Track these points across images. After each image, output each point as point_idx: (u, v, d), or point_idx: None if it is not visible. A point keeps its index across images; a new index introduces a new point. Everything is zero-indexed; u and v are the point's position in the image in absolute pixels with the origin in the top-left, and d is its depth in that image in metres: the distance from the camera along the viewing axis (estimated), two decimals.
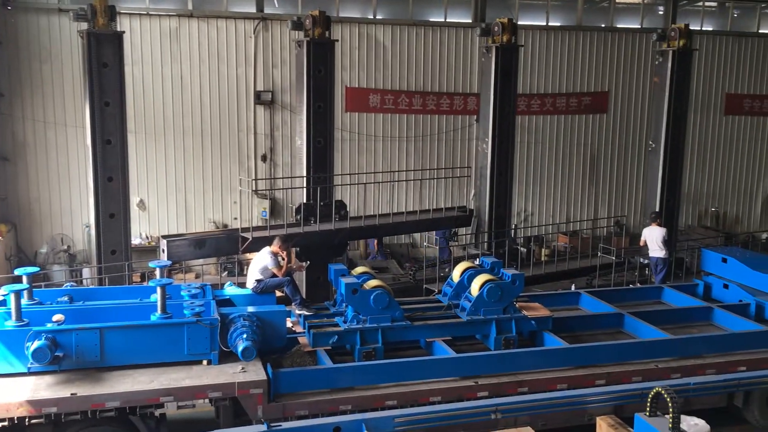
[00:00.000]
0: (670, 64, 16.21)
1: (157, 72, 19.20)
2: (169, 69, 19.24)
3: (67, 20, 17.48)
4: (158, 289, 9.51)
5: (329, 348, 10.36)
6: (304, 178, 14.14)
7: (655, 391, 7.89)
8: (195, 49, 19.35)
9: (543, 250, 20.15)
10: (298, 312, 11.01)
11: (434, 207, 16.20)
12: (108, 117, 12.81)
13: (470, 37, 20.73)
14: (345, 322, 10.42)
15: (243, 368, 9.32)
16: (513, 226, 18.26)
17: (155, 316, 9.48)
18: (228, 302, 10.68)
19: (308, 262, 12.07)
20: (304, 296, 11.81)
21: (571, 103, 22.20)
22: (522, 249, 17.30)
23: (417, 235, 20.61)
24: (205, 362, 9.43)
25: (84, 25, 12.86)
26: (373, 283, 10.61)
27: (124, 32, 13.33)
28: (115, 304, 10.18)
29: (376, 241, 19.37)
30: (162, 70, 19.25)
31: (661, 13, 23.47)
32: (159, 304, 9.52)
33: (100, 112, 12.70)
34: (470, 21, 21.12)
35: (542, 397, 9.77)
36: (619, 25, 22.71)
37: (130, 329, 9.25)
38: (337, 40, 14.91)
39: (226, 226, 19.53)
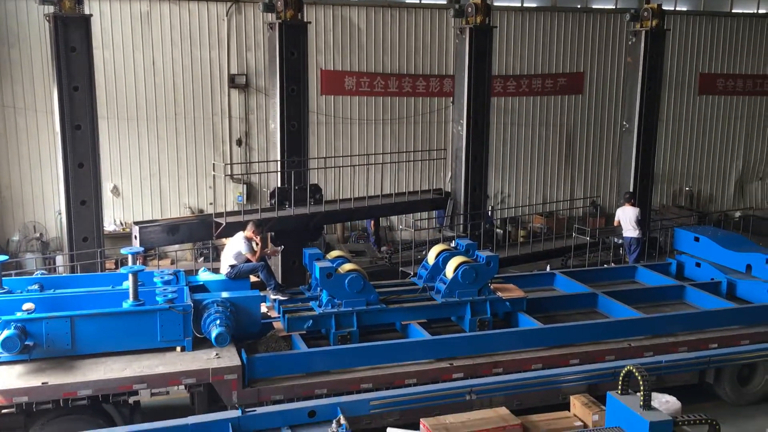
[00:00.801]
0: (643, 45, 16.26)
1: (129, 56, 18.90)
2: (141, 53, 18.95)
3: (34, 3, 17.13)
4: (130, 276, 9.43)
5: (304, 332, 10.36)
6: (278, 162, 14.02)
7: (626, 369, 7.98)
8: (167, 32, 19.06)
9: (519, 231, 20.27)
10: (272, 297, 10.99)
11: (411, 190, 16.16)
12: (77, 102, 12.58)
13: (446, 19, 20.61)
14: (320, 306, 10.42)
15: (217, 354, 9.29)
16: (490, 208, 18.31)
17: (127, 304, 9.41)
18: (202, 288, 10.62)
19: (282, 246, 12.01)
20: (279, 281, 11.77)
21: (547, 84, 22.21)
22: (498, 231, 17.39)
23: (394, 218, 20.61)
24: (178, 349, 9.40)
25: (51, 9, 12.57)
26: (347, 266, 10.60)
27: (91, 15, 13.07)
28: (86, 292, 10.09)
29: (372, 222, 19.08)
30: (134, 54, 18.95)
31: None
32: (131, 291, 9.45)
33: (69, 97, 12.48)
34: (445, 2, 21.00)
35: (517, 377, 9.86)
36: (594, 6, 22.71)
37: (101, 317, 9.17)
38: (310, 23, 14.78)
39: (202, 211, 19.40)
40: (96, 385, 8.59)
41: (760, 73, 24.14)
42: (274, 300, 10.92)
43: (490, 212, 18.20)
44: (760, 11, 24.10)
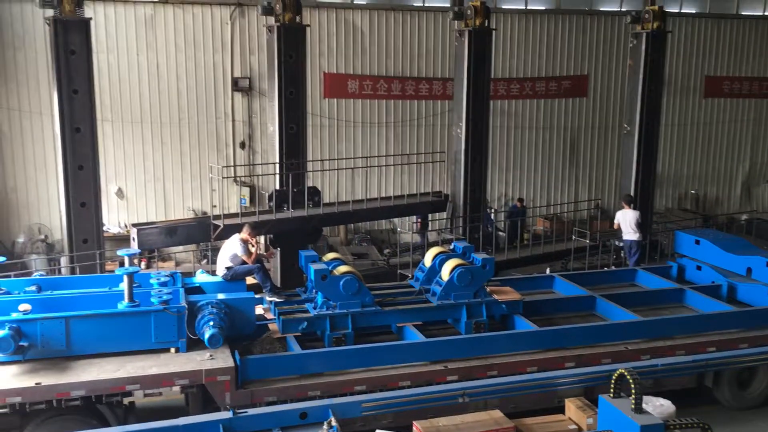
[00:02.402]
0: (644, 47, 16.19)
1: (133, 60, 19.03)
2: (145, 56, 19.07)
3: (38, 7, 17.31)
4: (125, 278, 9.48)
5: (299, 334, 10.36)
6: (277, 165, 14.06)
7: (618, 373, 7.94)
8: (171, 36, 19.17)
9: (523, 233, 20.21)
10: (268, 299, 11.00)
11: (415, 192, 16.19)
12: (77, 105, 12.68)
13: (448, 22, 20.59)
14: (315, 308, 10.42)
15: (211, 355, 9.32)
16: (491, 210, 18.27)
17: (122, 305, 9.46)
18: (198, 290, 10.65)
19: (278, 248, 12.03)
20: (277, 283, 11.80)
21: (551, 87, 22.16)
22: (501, 233, 17.36)
23: (397, 221, 20.61)
24: (173, 350, 9.43)
25: (51, 12, 12.68)
26: (342, 269, 10.60)
27: (90, 19, 13.16)
28: (82, 293, 10.14)
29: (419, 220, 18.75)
30: (138, 58, 19.07)
31: None
32: (126, 292, 9.49)
33: (69, 99, 12.58)
34: (448, 5, 20.98)
35: (511, 380, 9.80)
36: (598, 8, 22.65)
37: (96, 318, 9.22)
38: (309, 26, 14.81)
39: (205, 213, 19.43)
40: (89, 385, 8.63)
41: (767, 75, 23.94)
42: (270, 302, 10.93)
43: (491, 213, 18.16)
44: (767, 13, 23.94)
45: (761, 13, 23.87)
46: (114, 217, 19.37)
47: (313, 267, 10.31)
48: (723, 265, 12.90)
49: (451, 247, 11.84)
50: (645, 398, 7.85)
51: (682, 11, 23.11)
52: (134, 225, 13.15)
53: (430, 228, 16.38)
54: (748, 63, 23.71)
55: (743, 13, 23.71)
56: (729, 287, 12.50)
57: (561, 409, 9.66)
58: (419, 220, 17.45)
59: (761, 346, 11.01)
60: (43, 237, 18.67)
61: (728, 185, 24.39)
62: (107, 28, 18.64)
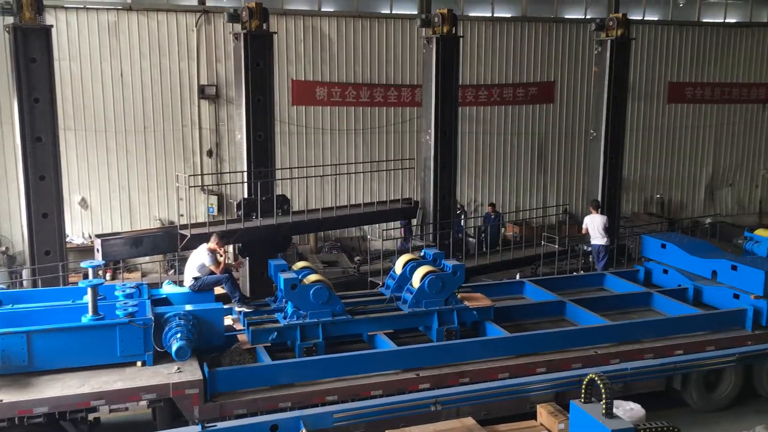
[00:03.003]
0: (608, 54, 16.40)
1: (97, 67, 18.70)
2: (109, 64, 18.76)
3: None
4: (89, 290, 9.27)
5: (269, 345, 10.23)
6: (245, 173, 13.91)
7: (588, 377, 7.96)
8: (135, 43, 18.89)
9: (498, 239, 20.25)
10: (237, 309, 10.86)
11: (385, 199, 16.16)
12: (38, 114, 12.41)
13: (416, 29, 20.65)
14: (285, 318, 10.30)
15: (179, 368, 9.15)
16: (461, 212, 18.29)
17: (86, 318, 9.25)
18: (165, 301, 10.46)
19: (247, 258, 11.89)
20: (246, 293, 11.65)
21: (519, 93, 22.33)
22: (472, 239, 17.40)
23: (367, 228, 20.55)
24: (139, 363, 9.25)
25: (10, 20, 12.40)
26: (312, 277, 10.51)
27: (52, 26, 12.91)
28: (44, 307, 9.89)
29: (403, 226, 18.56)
30: (101, 66, 18.75)
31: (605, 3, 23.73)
32: (90, 305, 9.29)
33: (29, 108, 12.30)
34: (416, 13, 21.05)
35: (483, 386, 9.82)
36: (564, 16, 22.91)
37: (59, 332, 9.01)
38: (276, 33, 14.70)
39: (172, 223, 19.14)
40: (52, 402, 8.41)
41: (728, 81, 24.45)
42: (239, 312, 10.79)
43: (462, 219, 18.18)
44: (728, 20, 24.46)
45: (721, 21, 24.38)
46: (78, 228, 18.99)
47: (283, 276, 10.19)
48: (689, 269, 13.06)
49: (422, 254, 11.81)
50: (615, 402, 7.88)
51: (645, 18, 23.49)
52: (98, 236, 12.90)
53: (414, 234, 16.32)
54: (710, 69, 24.17)
55: (704, 21, 24.18)
56: (695, 290, 12.67)
57: (533, 415, 9.68)
58: (403, 226, 17.38)
59: (727, 348, 11.18)
60: (3, 249, 18.23)
61: (692, 189, 24.80)
62: (69, 35, 18.31)
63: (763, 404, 11.44)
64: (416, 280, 10.80)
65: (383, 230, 16.22)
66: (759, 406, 11.41)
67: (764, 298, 11.44)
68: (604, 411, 7.64)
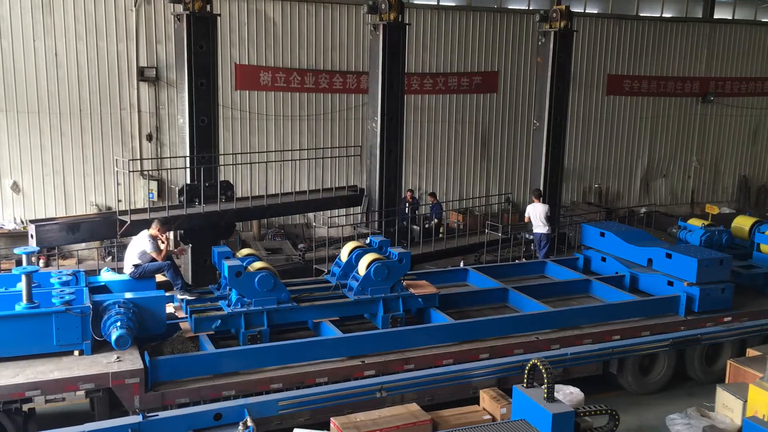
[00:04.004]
0: (552, 45, 16.66)
1: (29, 46, 17.95)
2: (42, 43, 18.02)
3: None
4: (23, 277, 8.94)
5: (212, 333, 10.08)
6: (187, 158, 13.61)
7: (531, 363, 8.14)
8: (71, 22, 18.19)
9: (439, 228, 20.41)
10: (180, 297, 10.65)
11: (331, 186, 16.06)
12: None
13: (362, 15, 20.55)
14: (229, 305, 10.15)
15: (118, 357, 8.94)
16: (407, 202, 18.33)
17: (20, 306, 8.92)
18: (104, 289, 10.18)
19: (189, 244, 11.66)
20: (188, 280, 11.43)
21: (463, 82, 22.50)
22: (415, 227, 17.47)
23: (311, 215, 20.42)
24: (76, 353, 8.99)
25: None
26: (257, 265, 10.37)
27: None
28: None
29: (408, 194, 18.47)
30: (35, 44, 18.00)
31: None
32: (24, 292, 8.96)
33: None
34: None
35: (427, 373, 9.91)
36: (508, 6, 23.15)
37: None
38: (220, 15, 14.39)
39: (110, 208, 18.64)
40: None
41: (663, 75, 25.20)
42: (182, 300, 10.59)
43: (407, 207, 18.18)
44: (665, 15, 25.17)
45: (658, 15, 25.07)
46: (9, 213, 18.28)
47: (228, 263, 10.04)
48: (626, 256, 13.43)
49: (367, 241, 11.81)
50: (555, 387, 8.09)
51: (586, 11, 23.95)
52: (32, 221, 12.41)
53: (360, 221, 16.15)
54: (647, 62, 24.85)
55: (642, 15, 24.82)
56: (631, 277, 13.05)
57: (476, 400, 9.85)
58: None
59: (661, 333, 11.58)
60: None
61: (628, 179, 25.52)
62: (0, 12, 17.52)
63: (693, 387, 11.92)
64: (362, 268, 10.80)
65: (329, 218, 16.12)
66: (690, 388, 11.88)
67: (697, 285, 11.86)
68: (545, 395, 7.84)
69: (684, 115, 25.88)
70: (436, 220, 18.13)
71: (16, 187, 18.28)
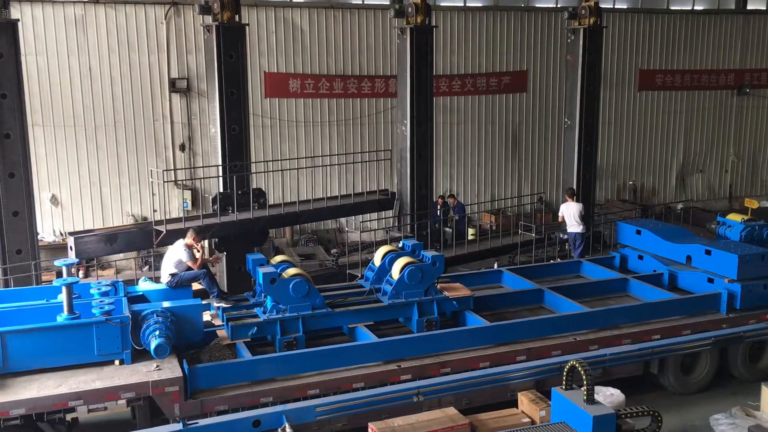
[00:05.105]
0: (581, 42, 16.48)
1: (64, 62, 18.34)
2: (77, 59, 18.40)
3: None
4: (63, 289, 9.10)
5: (249, 340, 10.16)
6: (220, 167, 13.75)
7: (569, 365, 8.04)
8: (103, 36, 18.55)
9: (469, 229, 20.32)
10: (216, 305, 10.75)
11: (362, 191, 16.07)
12: (6, 110, 12.11)
13: (389, 19, 20.57)
14: (264, 312, 10.22)
15: (158, 366, 9.05)
16: (439, 207, 18.28)
17: (61, 317, 9.08)
18: (141, 298, 10.32)
19: (224, 252, 11.77)
20: (224, 288, 11.54)
21: (492, 82, 22.38)
22: (448, 230, 17.41)
23: (343, 220, 20.48)
24: (117, 362, 9.13)
25: None
26: (291, 271, 10.43)
27: (18, 20, 12.58)
28: (18, 307, 9.67)
29: (440, 200, 18.22)
30: (69, 60, 18.40)
31: None
32: (65, 303, 9.12)
33: None
34: (388, 3, 20.95)
35: (464, 376, 9.85)
36: (535, 5, 22.97)
37: (34, 332, 8.85)
38: (248, 25, 14.52)
39: (146, 219, 18.90)
40: (29, 403, 8.27)
41: (697, 68, 24.75)
42: (218, 308, 10.68)
43: (438, 209, 18.13)
44: (696, 8, 24.73)
45: (690, 8, 24.64)
46: (48, 226, 18.67)
47: (262, 270, 10.11)
48: (663, 254, 13.22)
49: (400, 245, 11.80)
50: (595, 388, 7.98)
51: (615, 7, 23.65)
52: (71, 233, 12.65)
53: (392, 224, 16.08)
54: (680, 56, 24.44)
55: (673, 8, 24.43)
56: (670, 275, 12.82)
57: (514, 403, 9.78)
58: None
59: (703, 331, 11.35)
60: None
61: (664, 175, 25.10)
62: (35, 29, 17.94)
63: (737, 386, 11.65)
64: (396, 272, 10.79)
65: (360, 222, 16.14)
66: (734, 387, 11.62)
67: (738, 281, 11.61)
68: (585, 397, 7.73)
69: (719, 108, 25.38)
70: (456, 218, 17.93)
71: (54, 200, 18.68)
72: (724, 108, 25.45)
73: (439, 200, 18.92)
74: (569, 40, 17.00)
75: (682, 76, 24.58)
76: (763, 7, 25.68)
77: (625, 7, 23.98)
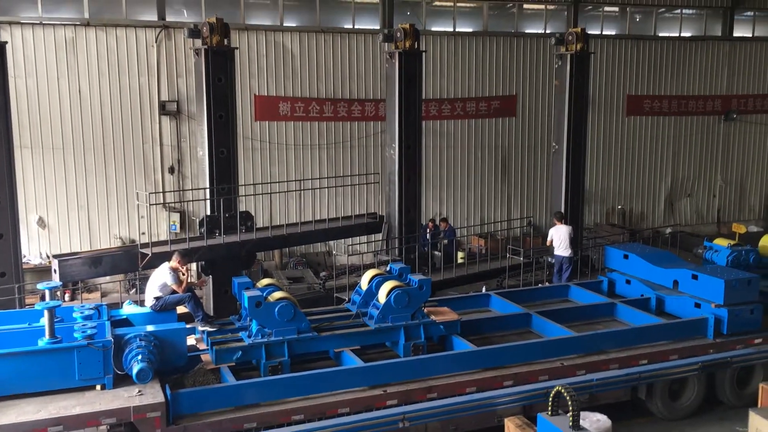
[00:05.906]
0: (568, 67, 16.62)
1: (54, 84, 18.37)
2: (66, 81, 18.44)
3: None
4: (45, 312, 9.00)
5: (233, 364, 10.05)
6: (207, 190, 13.72)
7: (555, 390, 7.97)
8: (93, 59, 18.61)
9: (458, 252, 20.30)
10: (200, 328, 10.65)
11: (350, 214, 16.06)
12: None
13: (379, 44, 20.75)
14: (249, 336, 10.12)
15: (140, 391, 8.92)
16: (428, 230, 18.28)
17: (43, 341, 8.97)
18: (125, 322, 10.20)
19: (210, 276, 11.69)
20: (209, 312, 11.44)
21: (481, 107, 22.53)
22: (437, 253, 17.38)
23: (332, 243, 20.43)
24: (98, 387, 8.99)
25: None
26: (277, 295, 10.35)
27: (6, 43, 12.60)
28: (0, 330, 9.55)
29: (430, 225, 18.23)
30: (59, 82, 18.43)
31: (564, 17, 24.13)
32: (47, 327, 9.01)
33: None
34: (378, 28, 21.13)
35: (450, 402, 9.77)
36: (524, 30, 23.21)
37: (14, 356, 8.70)
38: (237, 48, 14.58)
39: (133, 242, 18.83)
40: (7, 429, 8.11)
41: (684, 94, 25.00)
42: (203, 332, 10.59)
43: (428, 233, 18.13)
44: (683, 34, 25.04)
45: (677, 34, 24.95)
46: (35, 248, 18.56)
47: (247, 294, 10.03)
48: (651, 279, 13.20)
49: (388, 268, 11.75)
50: (582, 414, 7.91)
51: (603, 33, 23.92)
52: (55, 256, 12.56)
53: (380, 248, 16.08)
54: (667, 82, 24.70)
55: (660, 34, 24.73)
56: (657, 300, 12.80)
57: (501, 429, 9.66)
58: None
59: (690, 357, 11.32)
60: None
61: (652, 200, 25.24)
62: (25, 51, 17.99)
63: (725, 411, 11.61)
64: (382, 296, 10.73)
65: (349, 245, 16.11)
66: (721, 413, 11.57)
67: (724, 306, 11.60)
68: (571, 423, 7.65)
69: (707, 134, 25.61)
70: (446, 241, 17.94)
71: (41, 222, 18.58)
72: (712, 133, 25.68)
73: (430, 224, 18.91)
74: (557, 66, 17.15)
75: (670, 101, 24.82)
76: (749, 34, 26.04)
77: (613, 33, 24.27)
